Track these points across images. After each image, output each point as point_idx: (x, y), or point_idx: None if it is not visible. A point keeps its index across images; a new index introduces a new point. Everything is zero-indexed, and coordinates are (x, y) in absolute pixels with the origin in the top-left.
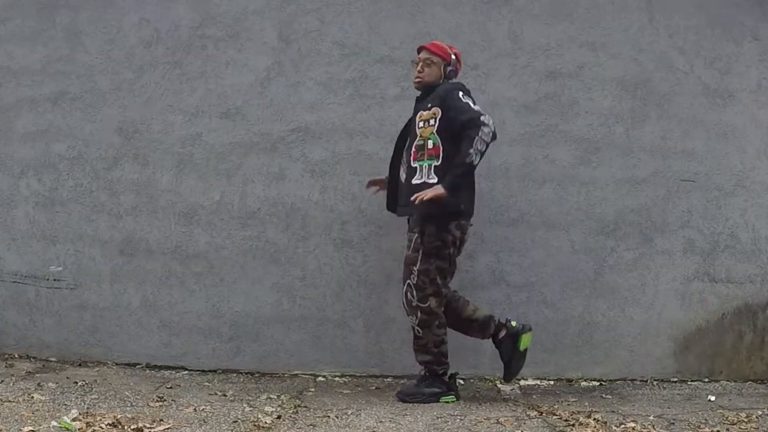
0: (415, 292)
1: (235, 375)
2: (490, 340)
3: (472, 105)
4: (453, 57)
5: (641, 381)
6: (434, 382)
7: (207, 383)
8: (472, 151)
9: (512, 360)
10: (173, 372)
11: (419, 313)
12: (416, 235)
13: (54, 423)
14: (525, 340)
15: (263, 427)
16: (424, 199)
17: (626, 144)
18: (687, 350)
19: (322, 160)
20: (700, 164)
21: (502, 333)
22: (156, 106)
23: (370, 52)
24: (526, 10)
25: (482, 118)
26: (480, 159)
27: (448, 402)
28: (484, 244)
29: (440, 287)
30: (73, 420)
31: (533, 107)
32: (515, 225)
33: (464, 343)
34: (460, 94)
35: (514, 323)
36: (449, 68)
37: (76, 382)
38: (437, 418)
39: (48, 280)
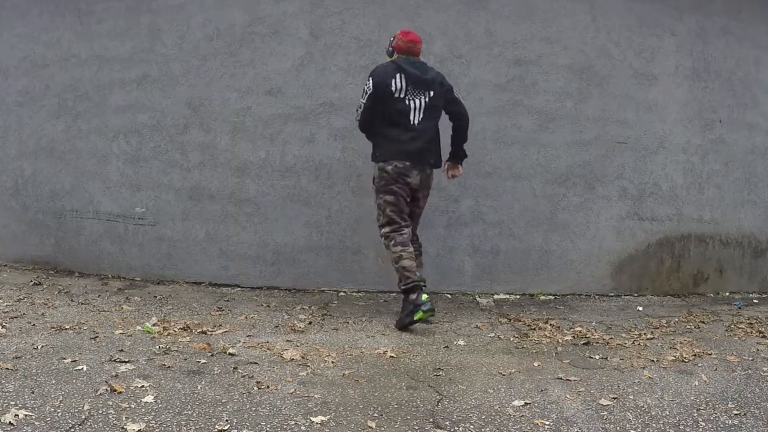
0: (378, 222)
1: (276, 291)
2: (403, 289)
3: (360, 97)
4: (391, 38)
5: (586, 296)
6: (405, 305)
7: (255, 297)
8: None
9: (403, 317)
10: (229, 289)
11: (382, 238)
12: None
13: (138, 327)
14: (419, 315)
15: (298, 330)
16: None
17: (575, 115)
18: (621, 272)
19: (343, 127)
20: (631, 130)
21: (413, 296)
22: (216, 86)
23: (380, 45)
24: (499, 12)
25: (357, 114)
26: (359, 125)
27: (420, 319)
28: (466, 191)
29: (391, 218)
30: (153, 325)
31: (504, 87)
32: (490, 176)
33: (450, 265)
34: (367, 80)
35: (425, 297)
36: (389, 48)
37: (156, 297)
38: (431, 323)
39: (134, 218)
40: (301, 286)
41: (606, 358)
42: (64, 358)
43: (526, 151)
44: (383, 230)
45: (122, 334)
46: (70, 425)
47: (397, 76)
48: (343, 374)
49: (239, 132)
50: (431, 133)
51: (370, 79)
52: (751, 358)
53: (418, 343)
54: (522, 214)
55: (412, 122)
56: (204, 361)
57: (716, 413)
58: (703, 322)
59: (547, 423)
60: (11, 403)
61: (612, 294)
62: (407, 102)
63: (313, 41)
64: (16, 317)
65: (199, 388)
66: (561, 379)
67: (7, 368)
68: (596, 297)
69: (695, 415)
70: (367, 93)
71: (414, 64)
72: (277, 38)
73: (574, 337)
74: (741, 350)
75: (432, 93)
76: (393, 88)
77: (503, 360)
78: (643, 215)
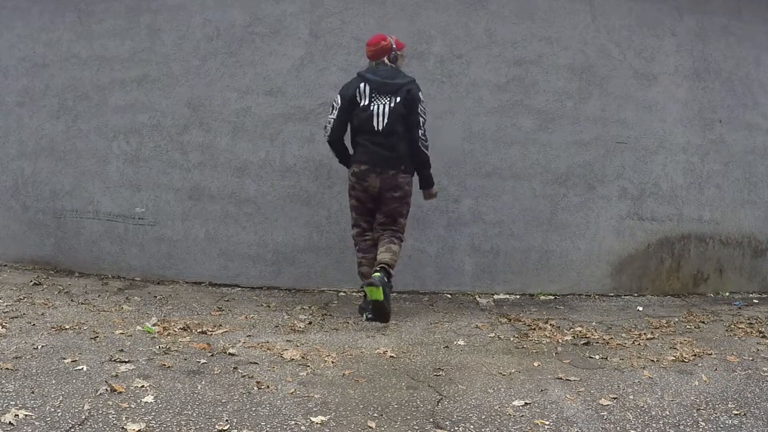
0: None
1: (276, 291)
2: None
3: (329, 114)
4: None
5: (586, 295)
6: (364, 299)
7: (255, 297)
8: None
9: (360, 308)
10: (229, 289)
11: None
12: None
13: (138, 327)
14: (365, 317)
15: (298, 330)
16: None
17: (575, 115)
18: (621, 272)
19: None
20: (631, 130)
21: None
22: (216, 86)
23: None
24: (499, 13)
25: (326, 130)
26: (328, 140)
27: (362, 320)
28: (466, 191)
29: (356, 221)
30: (153, 325)
31: (504, 87)
32: (490, 176)
33: (450, 265)
34: (336, 97)
35: (377, 274)
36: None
37: (156, 296)
38: (431, 323)
39: (134, 218)
40: (301, 286)
41: (606, 358)
42: (64, 358)
43: (526, 151)
44: (351, 231)
45: (122, 334)
46: (70, 425)
47: (361, 86)
48: (343, 374)
49: (239, 132)
50: (396, 138)
51: (338, 96)
52: (751, 358)
53: (418, 343)
54: (522, 214)
55: (376, 128)
56: (204, 361)
57: (716, 413)
58: (703, 322)
59: (547, 423)
60: (11, 403)
61: (612, 294)
62: (371, 108)
63: (313, 41)
64: (16, 317)
65: (199, 388)
66: (561, 379)
67: (7, 368)
68: (596, 297)
69: (695, 415)
70: (335, 108)
71: (377, 70)
72: (277, 38)
73: (574, 337)
74: (741, 350)
75: (398, 99)
76: (358, 98)
77: (503, 360)
78: (643, 215)
